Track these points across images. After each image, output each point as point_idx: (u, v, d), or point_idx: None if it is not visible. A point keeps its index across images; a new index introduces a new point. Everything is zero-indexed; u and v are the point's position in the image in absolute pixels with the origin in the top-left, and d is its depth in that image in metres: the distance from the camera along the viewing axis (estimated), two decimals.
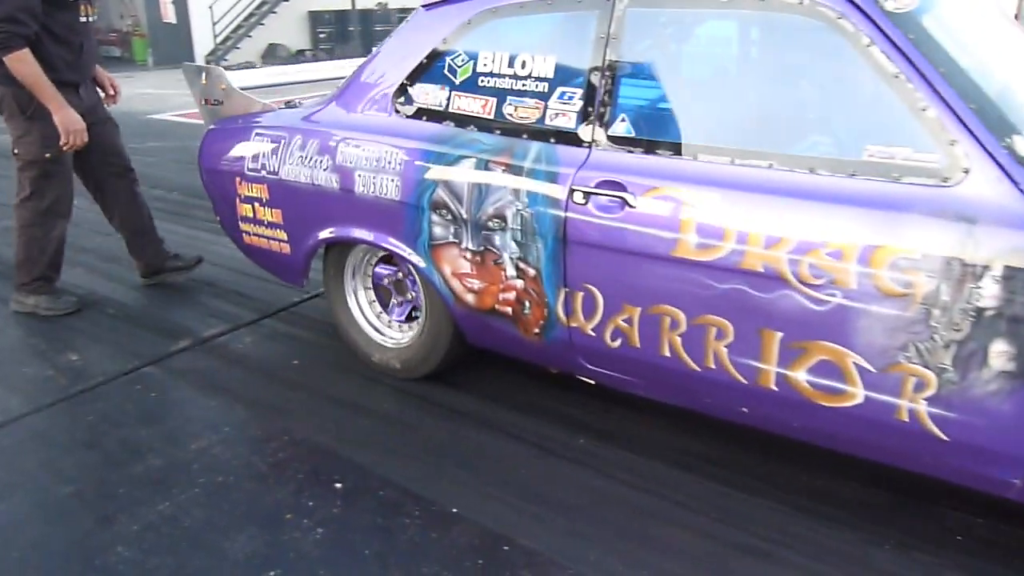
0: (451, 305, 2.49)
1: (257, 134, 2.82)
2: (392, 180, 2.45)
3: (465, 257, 2.38)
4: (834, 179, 1.79)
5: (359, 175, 2.52)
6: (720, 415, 2.19)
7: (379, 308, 2.88)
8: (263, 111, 2.93)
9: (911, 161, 1.71)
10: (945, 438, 1.76)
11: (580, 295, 2.19)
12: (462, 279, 2.42)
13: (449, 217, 2.36)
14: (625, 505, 2.16)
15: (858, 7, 1.76)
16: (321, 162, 2.61)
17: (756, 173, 1.88)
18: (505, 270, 2.31)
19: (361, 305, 2.88)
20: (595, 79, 2.10)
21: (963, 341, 1.67)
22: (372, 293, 2.88)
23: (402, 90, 2.50)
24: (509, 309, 2.36)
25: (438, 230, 2.40)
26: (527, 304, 2.31)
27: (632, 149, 2.05)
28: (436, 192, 2.36)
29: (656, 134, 2.04)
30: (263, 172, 2.80)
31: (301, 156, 2.67)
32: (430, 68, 2.43)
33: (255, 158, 2.81)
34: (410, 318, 2.82)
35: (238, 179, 2.90)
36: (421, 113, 2.45)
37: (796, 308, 1.84)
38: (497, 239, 2.29)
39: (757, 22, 1.94)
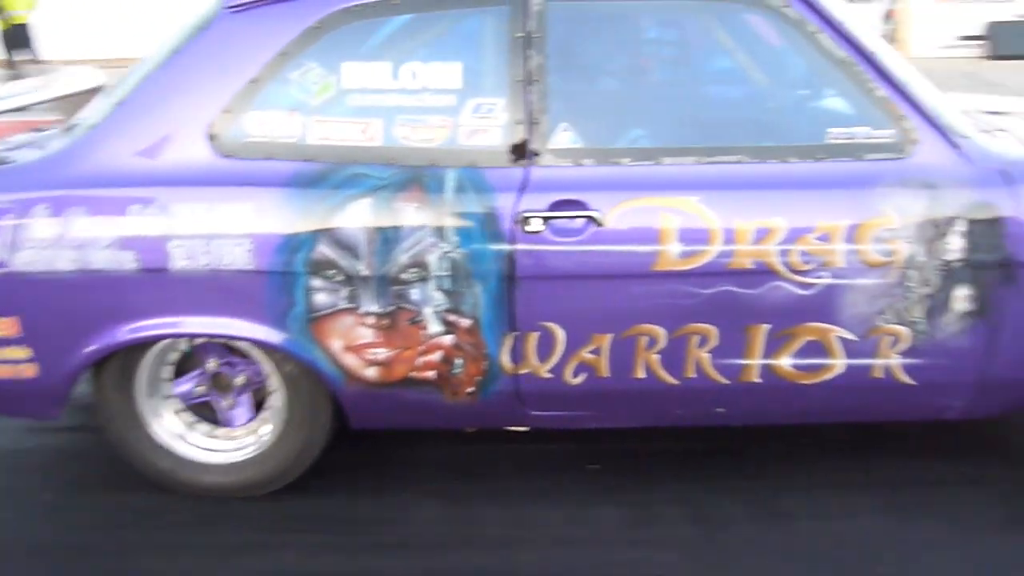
0: (339, 387, 1.95)
1: None
2: (239, 245, 1.81)
3: (366, 324, 1.88)
4: (806, 165, 1.82)
5: (176, 246, 1.81)
6: (690, 423, 2.11)
7: (192, 418, 2.14)
8: None
9: (871, 139, 1.82)
10: (913, 383, 1.94)
11: (534, 336, 1.89)
12: (360, 352, 1.90)
13: (340, 278, 1.83)
14: None
15: None
16: (98, 237, 1.81)
17: (730, 169, 1.82)
18: (426, 328, 1.88)
19: (166, 421, 2.10)
20: (521, 85, 1.80)
21: (934, 294, 1.84)
22: (177, 402, 2.13)
23: (224, 122, 1.84)
24: (431, 373, 1.93)
25: (322, 297, 1.85)
26: (458, 362, 1.92)
27: (582, 161, 1.82)
28: (316, 249, 1.81)
29: (608, 141, 1.84)
30: None
31: (56, 234, 1.82)
32: (266, 89, 1.83)
33: None
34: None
35: None
36: (262, 150, 1.84)
37: (785, 297, 1.85)
38: (414, 293, 1.85)
39: (697, 12, 1.85)
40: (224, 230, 1.80)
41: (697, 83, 1.96)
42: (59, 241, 1.82)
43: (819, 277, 1.83)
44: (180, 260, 1.82)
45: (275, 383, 2.04)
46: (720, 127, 1.89)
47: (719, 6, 1.84)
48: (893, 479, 2.18)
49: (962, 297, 1.85)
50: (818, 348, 1.91)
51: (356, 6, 1.82)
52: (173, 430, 2.11)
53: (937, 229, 1.80)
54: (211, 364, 2.07)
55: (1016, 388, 2.00)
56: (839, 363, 1.92)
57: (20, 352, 1.93)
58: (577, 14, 1.85)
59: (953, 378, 1.95)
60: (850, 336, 1.89)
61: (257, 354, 2.00)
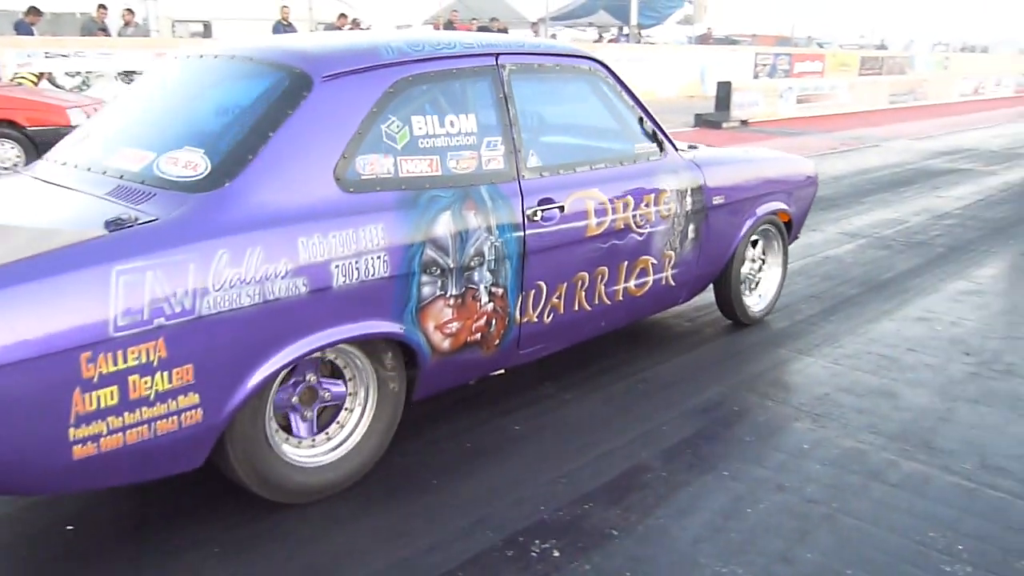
0: (427, 362, 2.55)
1: (123, 272, 1.87)
2: (378, 257, 2.31)
3: (448, 305, 2.54)
4: (632, 166, 3.16)
5: (337, 266, 2.22)
6: (587, 338, 3.23)
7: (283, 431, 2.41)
8: (84, 238, 1.87)
9: (648, 150, 3.26)
10: (674, 284, 3.47)
11: (532, 293, 2.81)
12: (443, 328, 2.55)
13: (438, 272, 2.47)
14: None
15: (605, 66, 3.12)
16: (276, 269, 2.10)
17: (606, 171, 3.05)
18: (480, 301, 2.64)
19: (281, 438, 2.35)
20: (507, 128, 2.72)
21: (683, 230, 3.39)
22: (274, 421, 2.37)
23: (343, 165, 2.29)
24: (479, 335, 2.68)
25: (427, 289, 2.46)
26: (493, 322, 2.72)
27: (544, 174, 2.82)
28: (424, 253, 2.43)
29: (551, 160, 2.87)
30: (157, 321, 1.92)
31: (238, 273, 2.04)
32: (367, 138, 2.34)
33: (132, 309, 1.89)
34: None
35: (86, 356, 1.84)
36: (371, 184, 2.35)
37: (633, 243, 3.17)
38: (476, 275, 2.60)
39: (567, 81, 3.01)
40: (368, 247, 2.28)
41: (578, 121, 3.12)
42: (240, 280, 2.04)
43: (645, 228, 3.20)
44: (340, 278, 2.23)
45: (358, 384, 2.49)
46: (594, 147, 3.10)
47: (578, 75, 3.06)
48: (234, 528, 2.32)
49: (691, 230, 3.44)
50: (644, 271, 3.27)
51: (411, 76, 2.48)
52: (292, 444, 2.36)
53: (681, 194, 3.35)
54: (311, 377, 2.40)
55: (704, 278, 3.69)
56: (651, 279, 3.32)
57: (190, 399, 2.02)
58: (520, 83, 2.83)
59: (687, 278, 3.54)
60: (655, 261, 3.30)
61: (358, 353, 2.43)
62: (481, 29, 18.01)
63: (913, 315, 4.31)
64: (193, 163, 2.18)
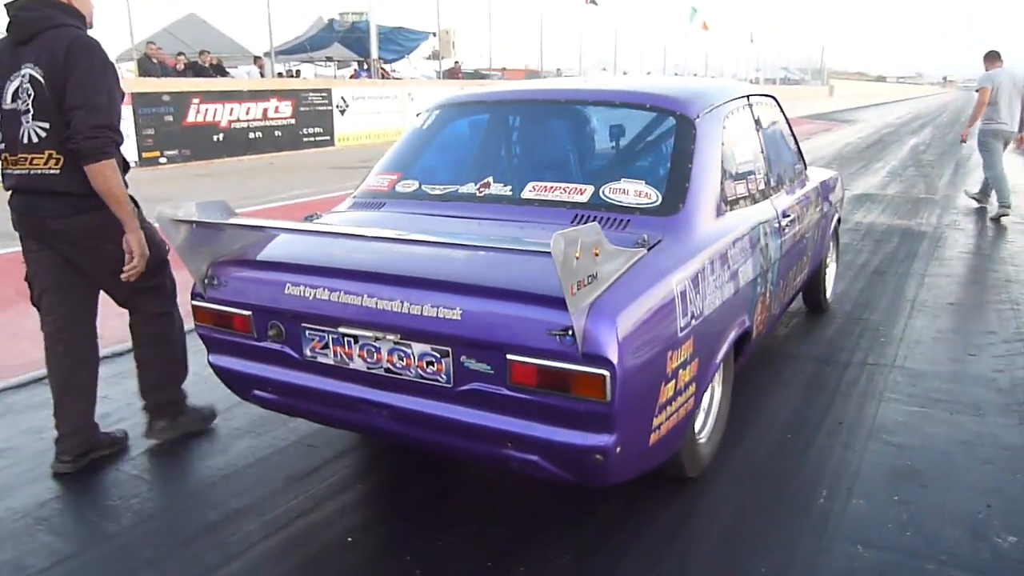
0: (750, 347, 3.05)
1: (678, 281, 2.25)
2: (749, 263, 2.81)
3: (761, 301, 3.07)
4: (801, 180, 3.86)
5: (741, 271, 2.69)
6: (776, 321, 3.85)
7: None
8: (633, 256, 2.20)
9: (801, 166, 3.98)
10: (806, 277, 4.20)
11: (780, 283, 3.40)
12: (757, 319, 3.07)
13: (761, 274, 3.00)
14: None
15: (776, 100, 3.80)
16: (723, 276, 2.55)
17: (793, 186, 3.71)
18: (767, 296, 3.19)
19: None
20: (761, 152, 3.30)
21: (814, 231, 4.14)
22: None
23: (721, 190, 2.74)
24: (762, 325, 3.23)
25: (759, 288, 2.97)
26: (766, 314, 3.27)
27: (776, 191, 3.42)
28: (759, 258, 2.94)
29: (776, 179, 3.48)
30: (692, 322, 2.32)
31: (714, 280, 2.46)
32: (722, 165, 2.82)
33: (685, 311, 2.27)
34: None
35: (669, 354, 2.20)
36: (730, 203, 2.82)
37: (803, 245, 3.86)
38: (769, 275, 3.15)
39: (771, 108, 3.63)
40: (747, 257, 2.76)
41: (772, 145, 3.73)
42: (716, 285, 2.46)
43: (808, 232, 3.90)
44: (741, 281, 2.70)
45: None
46: (785, 167, 3.74)
47: (768, 108, 3.69)
48: None
49: (816, 231, 4.20)
50: (802, 267, 3.97)
51: (727, 114, 3.00)
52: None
53: (816, 202, 4.09)
54: None
55: (815, 271, 4.45)
56: (804, 272, 4.03)
57: (692, 390, 2.41)
58: (757, 116, 3.41)
59: (811, 270, 4.29)
60: (806, 258, 4.01)
61: None
62: (190, 65, 15.76)
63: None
64: (644, 192, 2.56)
